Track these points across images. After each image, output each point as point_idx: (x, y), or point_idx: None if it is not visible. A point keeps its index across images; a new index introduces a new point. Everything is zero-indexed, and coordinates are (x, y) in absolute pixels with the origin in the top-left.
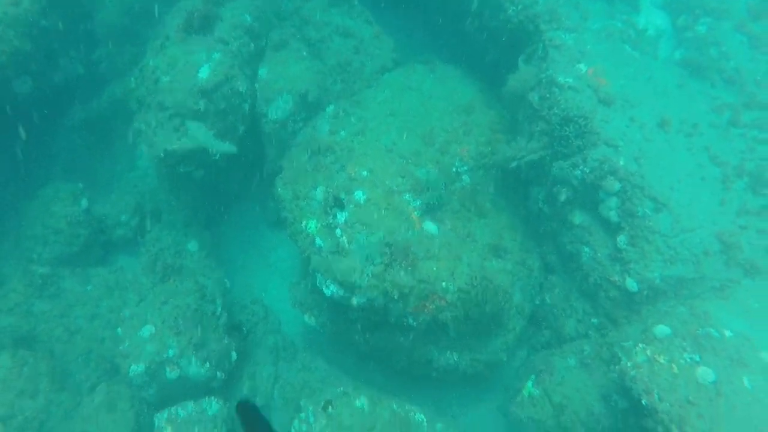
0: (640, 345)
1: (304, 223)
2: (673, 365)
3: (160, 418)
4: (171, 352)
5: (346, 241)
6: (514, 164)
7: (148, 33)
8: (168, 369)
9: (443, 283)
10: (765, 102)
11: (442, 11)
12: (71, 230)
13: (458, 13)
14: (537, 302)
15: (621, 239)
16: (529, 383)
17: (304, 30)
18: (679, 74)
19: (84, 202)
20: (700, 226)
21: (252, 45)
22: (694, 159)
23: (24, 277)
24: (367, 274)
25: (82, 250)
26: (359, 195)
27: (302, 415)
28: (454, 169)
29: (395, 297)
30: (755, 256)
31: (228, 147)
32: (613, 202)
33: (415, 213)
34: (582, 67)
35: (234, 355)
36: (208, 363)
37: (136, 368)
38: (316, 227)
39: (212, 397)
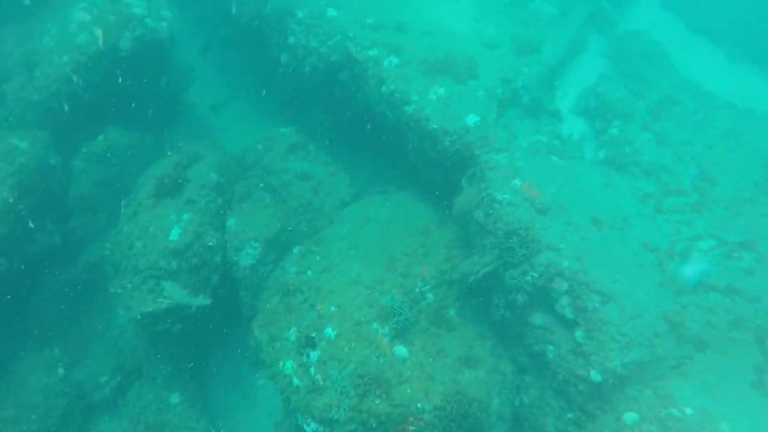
0: None
1: (281, 364)
2: None
3: None
4: None
5: (320, 378)
6: (472, 279)
7: (120, 200)
8: None
9: (418, 405)
10: (679, 189)
11: (389, 147)
12: (48, 403)
13: (402, 148)
14: (516, 404)
15: (578, 334)
16: None
17: (266, 178)
18: (604, 173)
19: (61, 371)
20: (646, 310)
21: (219, 200)
22: (629, 249)
23: None
24: (344, 408)
25: (60, 423)
26: (329, 331)
27: None
28: (417, 290)
29: (374, 426)
30: (700, 331)
31: (202, 300)
32: (565, 300)
33: (385, 339)
34: (517, 182)
35: None
36: None
37: None
38: (292, 367)
39: None
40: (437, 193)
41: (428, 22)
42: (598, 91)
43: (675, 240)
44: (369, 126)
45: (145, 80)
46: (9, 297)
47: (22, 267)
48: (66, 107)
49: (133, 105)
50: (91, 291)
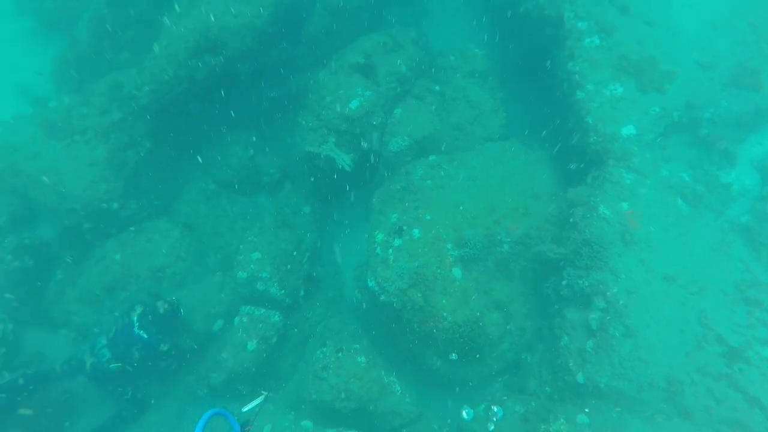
0: (563, 420)
1: (376, 232)
2: None
3: (243, 309)
4: (264, 275)
5: (392, 259)
6: (543, 257)
7: (334, 48)
8: (259, 283)
9: (444, 314)
10: None
11: (554, 108)
12: (238, 167)
13: (563, 116)
14: (521, 356)
15: (590, 343)
16: (482, 407)
17: (443, 86)
18: (727, 239)
19: (251, 151)
20: (655, 362)
21: (398, 89)
22: (683, 313)
23: (199, 187)
24: (396, 286)
25: (240, 182)
26: (415, 232)
27: (324, 349)
28: (499, 238)
29: (408, 308)
30: (693, 405)
31: (348, 163)
32: (596, 314)
33: (450, 259)
34: (624, 205)
35: (302, 292)
36: (284, 290)
37: (242, 274)
38: (381, 239)
39: (277, 312)
40: (567, 168)
41: (660, 11)
42: None
43: (738, 331)
44: (548, 83)
45: None
46: (241, 90)
47: (256, 72)
48: None
49: None
50: (289, 105)
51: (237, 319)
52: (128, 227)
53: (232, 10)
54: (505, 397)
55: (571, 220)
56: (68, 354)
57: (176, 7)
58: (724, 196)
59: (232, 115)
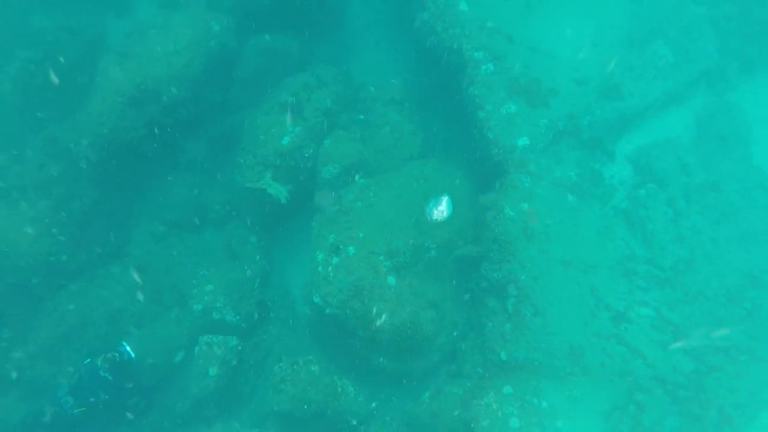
0: (492, 393)
1: (317, 252)
2: (499, 411)
3: (201, 339)
4: (218, 304)
5: (332, 276)
6: (464, 257)
7: (264, 89)
8: (214, 313)
9: (384, 316)
10: (659, 263)
11: (465, 128)
12: (184, 207)
13: (471, 135)
14: (456, 346)
15: (508, 326)
16: (426, 395)
17: (367, 115)
18: (608, 223)
19: (195, 190)
20: (560, 333)
21: (325, 122)
22: (579, 289)
23: (149, 229)
24: (337, 299)
25: (187, 221)
26: (350, 250)
27: (280, 364)
28: (426, 245)
29: (350, 316)
30: (592, 364)
31: (284, 196)
32: (511, 300)
33: (384, 269)
34: (525, 206)
35: (256, 316)
36: (238, 316)
37: (197, 307)
38: (321, 259)
39: (234, 336)
40: (480, 176)
41: (540, 39)
42: (651, 153)
43: (621, 298)
44: (456, 106)
45: None
46: (179, 135)
47: (191, 115)
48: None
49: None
50: (228, 145)
51: (197, 348)
52: (79, 276)
53: (164, 60)
54: (444, 385)
55: (484, 222)
56: (22, 414)
57: (109, 58)
58: (606, 187)
59: (175, 158)
